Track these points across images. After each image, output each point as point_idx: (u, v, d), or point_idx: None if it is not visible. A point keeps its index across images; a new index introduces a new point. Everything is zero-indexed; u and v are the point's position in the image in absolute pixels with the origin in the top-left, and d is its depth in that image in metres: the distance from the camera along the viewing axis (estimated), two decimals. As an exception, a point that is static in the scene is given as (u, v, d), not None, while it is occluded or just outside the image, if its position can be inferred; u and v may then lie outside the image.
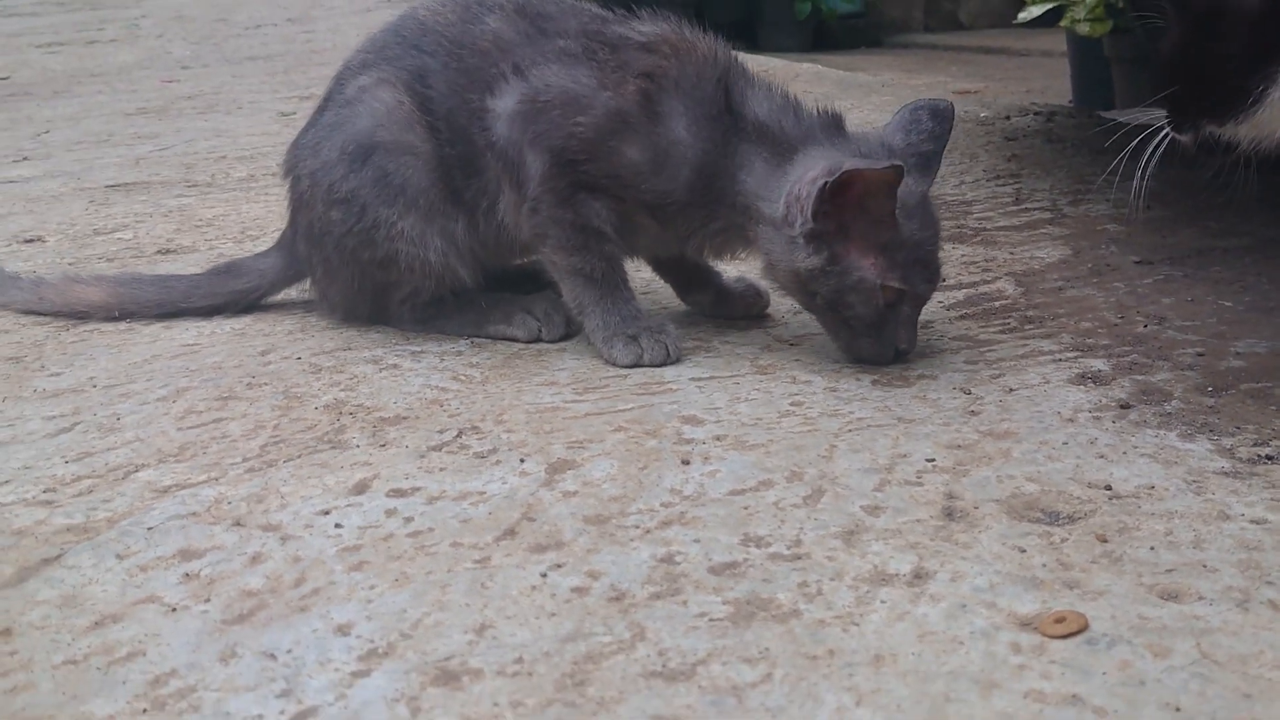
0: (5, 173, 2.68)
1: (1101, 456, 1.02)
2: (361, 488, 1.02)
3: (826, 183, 1.16)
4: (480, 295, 1.42)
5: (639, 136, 1.28)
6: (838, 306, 1.24)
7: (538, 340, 1.38)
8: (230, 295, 1.53)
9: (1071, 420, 1.10)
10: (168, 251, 1.88)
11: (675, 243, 1.36)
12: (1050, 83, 5.30)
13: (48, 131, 3.30)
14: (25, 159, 2.87)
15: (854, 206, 1.19)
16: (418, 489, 1.02)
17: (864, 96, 3.28)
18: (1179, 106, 1.13)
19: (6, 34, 6.97)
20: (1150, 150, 1.16)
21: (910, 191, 1.21)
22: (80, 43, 6.21)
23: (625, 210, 1.32)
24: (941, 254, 1.28)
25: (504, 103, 1.32)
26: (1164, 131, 1.18)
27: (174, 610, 0.84)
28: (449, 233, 1.37)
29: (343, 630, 0.81)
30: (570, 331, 1.39)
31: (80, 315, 1.52)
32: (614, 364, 1.29)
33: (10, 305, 1.56)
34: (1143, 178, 1.17)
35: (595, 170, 1.29)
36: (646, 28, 1.35)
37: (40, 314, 1.53)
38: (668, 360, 1.29)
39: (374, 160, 1.35)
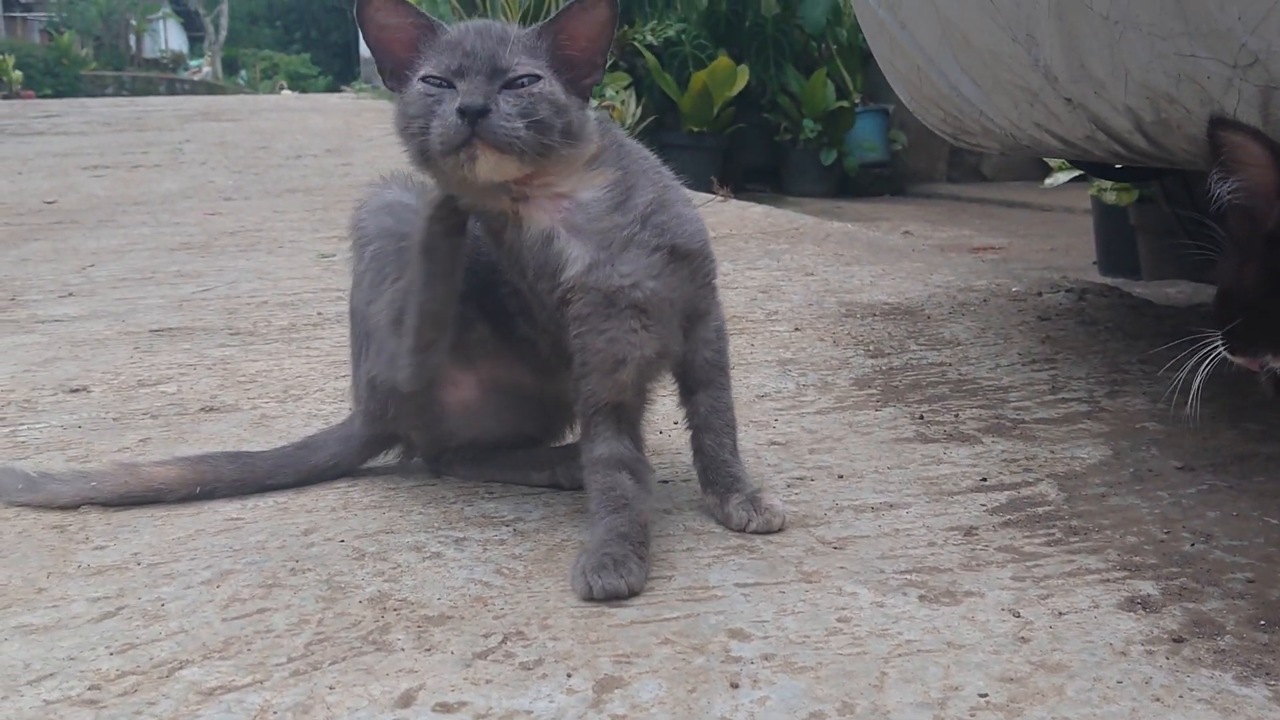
0: (50, 310, 2.74)
1: (1157, 700, 1.01)
2: (407, 700, 1.01)
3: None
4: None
5: None
6: (406, 128, 1.28)
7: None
8: (311, 470, 1.55)
9: (1124, 654, 1.09)
10: (211, 409, 1.90)
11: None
12: (1074, 241, 5.37)
13: (92, 265, 3.37)
14: (70, 295, 2.93)
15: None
16: (464, 704, 1.01)
17: (895, 262, 3.33)
18: (1238, 332, 1.14)
19: (55, 154, 7.17)
20: (1201, 373, 1.17)
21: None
22: (125, 167, 6.37)
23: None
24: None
25: None
26: (1215, 352, 1.19)
27: (220, 840, 0.83)
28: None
29: None
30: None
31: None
32: (574, 590, 1.23)
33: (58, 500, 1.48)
34: (1195, 398, 1.17)
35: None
36: None
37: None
38: (619, 595, 1.21)
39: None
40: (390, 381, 1.44)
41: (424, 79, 1.27)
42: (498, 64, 1.26)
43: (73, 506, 1.46)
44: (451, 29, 1.30)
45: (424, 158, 1.28)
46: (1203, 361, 1.19)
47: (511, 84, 1.26)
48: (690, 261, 1.37)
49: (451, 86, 1.26)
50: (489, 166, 1.25)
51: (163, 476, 1.49)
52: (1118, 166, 2.62)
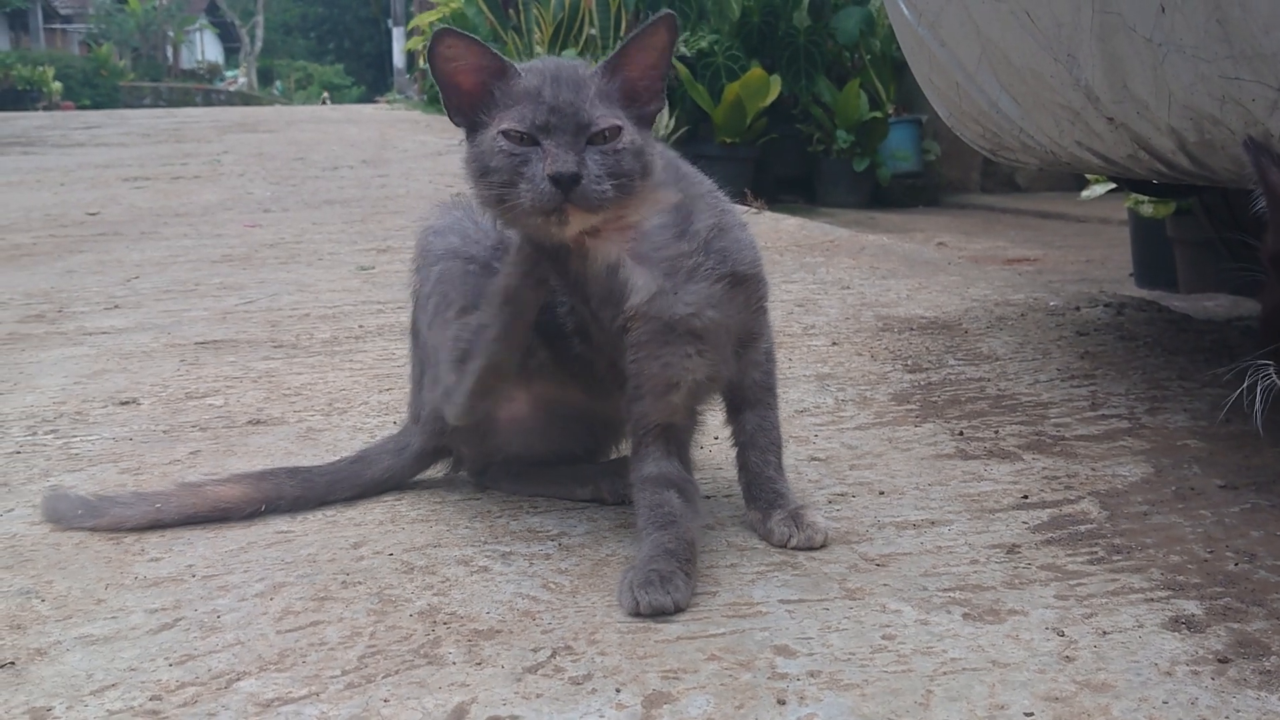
0: (98, 322, 2.78)
1: (1204, 721, 1.02)
2: (460, 713, 1.03)
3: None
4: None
5: None
6: (483, 177, 1.28)
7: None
8: (368, 484, 1.58)
9: (1169, 674, 1.10)
10: (258, 422, 1.93)
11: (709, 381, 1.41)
12: (1110, 252, 5.35)
13: (137, 277, 3.42)
14: (116, 307, 2.98)
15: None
16: (516, 718, 1.02)
17: (931, 275, 3.33)
18: None
19: (96, 165, 7.28)
20: (1261, 398, 1.18)
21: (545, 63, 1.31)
22: (165, 178, 6.45)
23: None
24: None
25: None
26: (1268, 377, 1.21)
27: None
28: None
29: None
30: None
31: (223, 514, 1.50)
32: (620, 605, 1.25)
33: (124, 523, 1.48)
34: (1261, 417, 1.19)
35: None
36: None
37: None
38: (664, 611, 1.22)
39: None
40: (440, 413, 1.47)
41: (504, 133, 1.26)
42: (580, 119, 1.26)
43: (139, 530, 1.46)
44: (525, 72, 1.29)
45: (502, 207, 1.28)
46: (1257, 386, 1.20)
47: (594, 138, 1.26)
48: (746, 287, 1.39)
49: (535, 143, 1.25)
50: (577, 224, 1.27)
51: (228, 496, 1.50)
52: (1155, 182, 2.62)
